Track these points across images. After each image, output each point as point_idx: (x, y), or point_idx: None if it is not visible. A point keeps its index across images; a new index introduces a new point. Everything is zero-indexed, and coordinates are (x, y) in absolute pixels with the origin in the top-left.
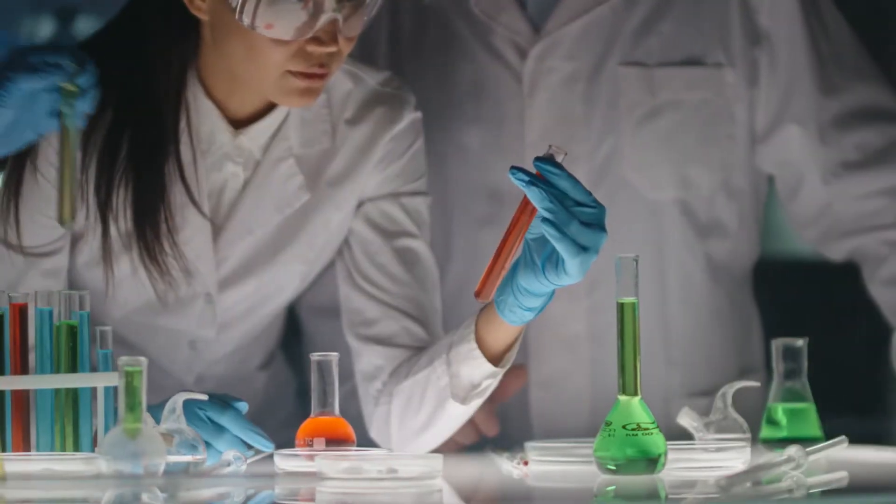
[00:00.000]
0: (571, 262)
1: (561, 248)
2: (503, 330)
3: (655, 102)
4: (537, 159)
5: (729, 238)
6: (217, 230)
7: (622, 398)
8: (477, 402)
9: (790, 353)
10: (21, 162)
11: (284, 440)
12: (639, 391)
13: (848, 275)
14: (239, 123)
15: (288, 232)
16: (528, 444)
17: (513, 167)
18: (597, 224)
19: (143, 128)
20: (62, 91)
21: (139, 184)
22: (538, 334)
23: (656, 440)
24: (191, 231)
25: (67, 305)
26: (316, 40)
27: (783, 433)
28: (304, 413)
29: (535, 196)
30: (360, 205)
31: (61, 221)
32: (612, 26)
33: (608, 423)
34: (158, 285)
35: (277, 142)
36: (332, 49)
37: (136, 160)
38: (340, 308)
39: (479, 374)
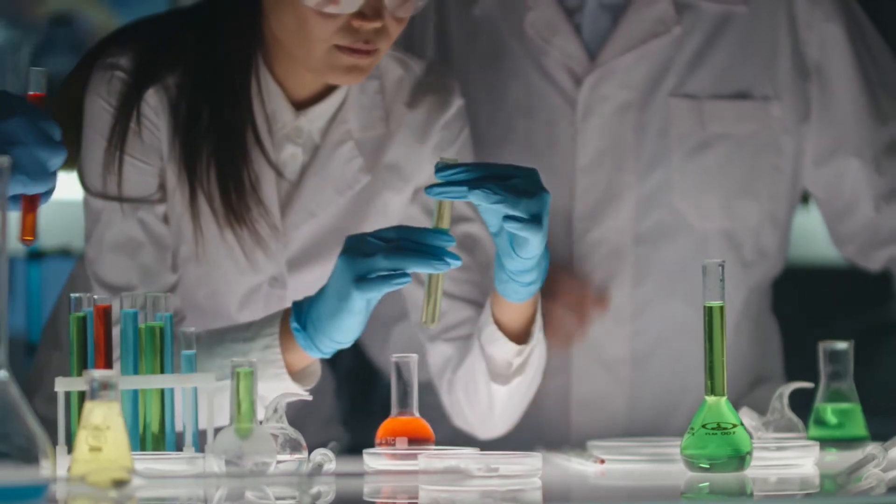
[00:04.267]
0: (534, 238)
1: (525, 233)
2: (515, 309)
3: (705, 134)
4: (438, 172)
5: (768, 263)
6: (281, 212)
7: (710, 399)
8: (519, 379)
9: (835, 356)
10: (126, 116)
11: (325, 439)
12: (725, 392)
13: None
14: (299, 105)
15: (349, 217)
16: (591, 443)
17: (430, 187)
18: (533, 189)
19: (220, 99)
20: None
21: (221, 148)
22: (580, 356)
23: (744, 438)
24: (268, 204)
25: (153, 307)
26: (361, 15)
27: (831, 433)
28: (343, 413)
29: (479, 197)
30: (415, 192)
31: (424, 323)
32: (665, 57)
33: (696, 423)
34: (247, 245)
35: (336, 125)
36: (376, 24)
37: (218, 131)
38: (406, 304)
39: (508, 353)
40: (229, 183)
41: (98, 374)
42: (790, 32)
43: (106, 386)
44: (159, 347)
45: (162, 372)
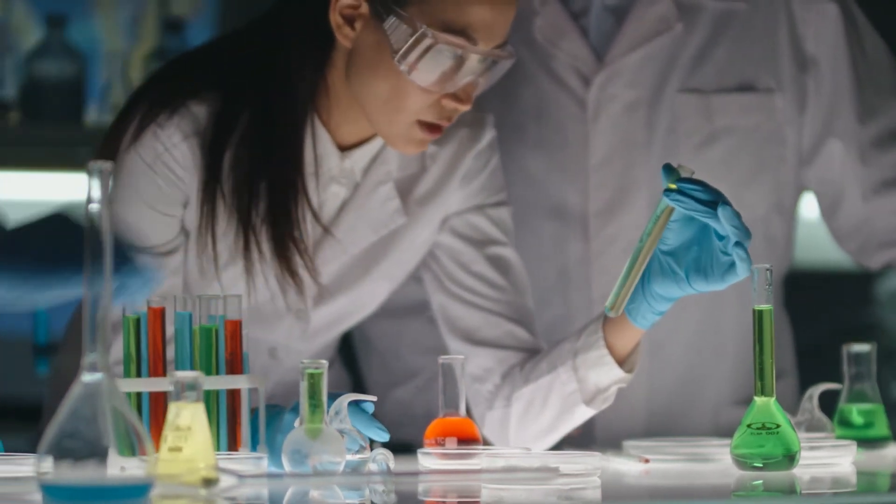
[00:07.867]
0: (743, 273)
1: (743, 265)
2: (633, 334)
3: (712, 128)
4: (678, 180)
5: (778, 253)
6: (314, 247)
7: (759, 399)
8: (602, 407)
9: (858, 358)
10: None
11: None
12: (773, 392)
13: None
14: (344, 146)
15: (378, 251)
16: (627, 443)
17: (668, 191)
18: (750, 232)
19: (276, 138)
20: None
21: (273, 194)
22: None
23: (792, 437)
24: (308, 244)
25: (207, 308)
26: (453, 96)
27: (858, 433)
28: None
29: (724, 214)
30: (444, 220)
31: (607, 309)
32: (670, 55)
33: (744, 423)
34: (290, 296)
35: (378, 165)
36: (465, 107)
37: (269, 173)
38: (436, 316)
39: (609, 379)
40: (280, 228)
41: (182, 374)
42: (789, 28)
43: (191, 387)
44: (214, 349)
45: (217, 373)
